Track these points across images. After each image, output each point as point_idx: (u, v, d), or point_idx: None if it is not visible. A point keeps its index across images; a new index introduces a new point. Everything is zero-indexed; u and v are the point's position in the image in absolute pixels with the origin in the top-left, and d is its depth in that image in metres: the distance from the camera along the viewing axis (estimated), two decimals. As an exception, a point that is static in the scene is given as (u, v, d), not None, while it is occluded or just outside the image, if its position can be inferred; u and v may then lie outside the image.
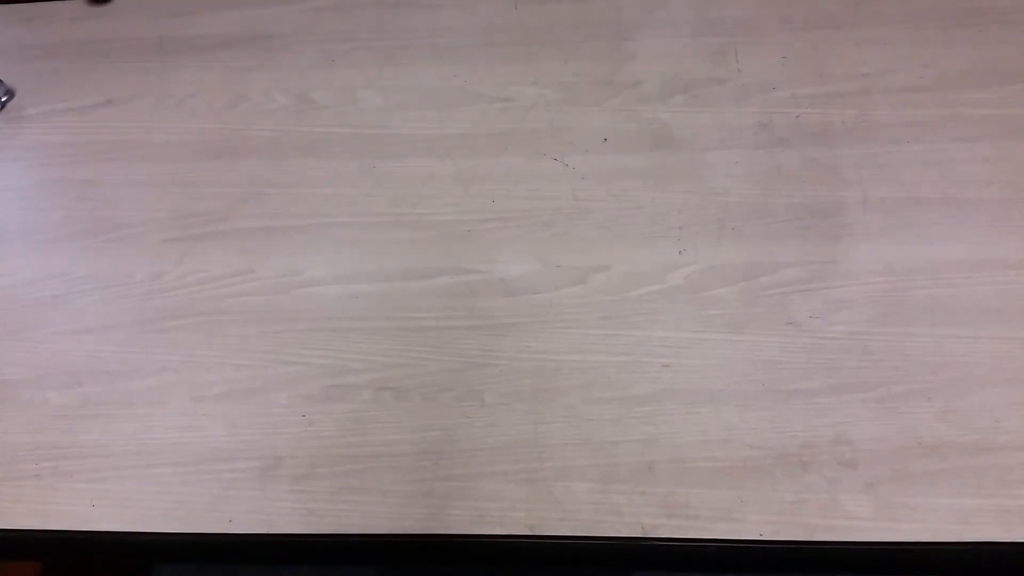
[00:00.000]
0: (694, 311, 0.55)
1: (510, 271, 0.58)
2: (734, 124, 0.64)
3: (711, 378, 0.53)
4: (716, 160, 0.62)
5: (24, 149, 0.69)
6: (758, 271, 0.57)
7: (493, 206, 0.61)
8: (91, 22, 0.75)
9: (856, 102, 0.64)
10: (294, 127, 0.67)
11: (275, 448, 0.53)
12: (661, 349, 0.54)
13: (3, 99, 0.71)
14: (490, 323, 0.56)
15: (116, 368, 0.57)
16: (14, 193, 0.66)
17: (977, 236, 0.57)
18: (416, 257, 0.60)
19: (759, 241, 0.58)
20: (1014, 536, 0.46)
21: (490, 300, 0.57)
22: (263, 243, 0.61)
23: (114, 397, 0.56)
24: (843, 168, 0.61)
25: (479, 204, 0.61)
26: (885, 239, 0.57)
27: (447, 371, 0.55)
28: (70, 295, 0.60)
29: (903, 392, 0.51)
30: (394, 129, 0.64)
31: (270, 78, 0.69)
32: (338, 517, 0.50)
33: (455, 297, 0.58)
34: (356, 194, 0.63)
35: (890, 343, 0.53)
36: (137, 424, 0.55)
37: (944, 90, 0.64)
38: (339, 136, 0.66)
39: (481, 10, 0.73)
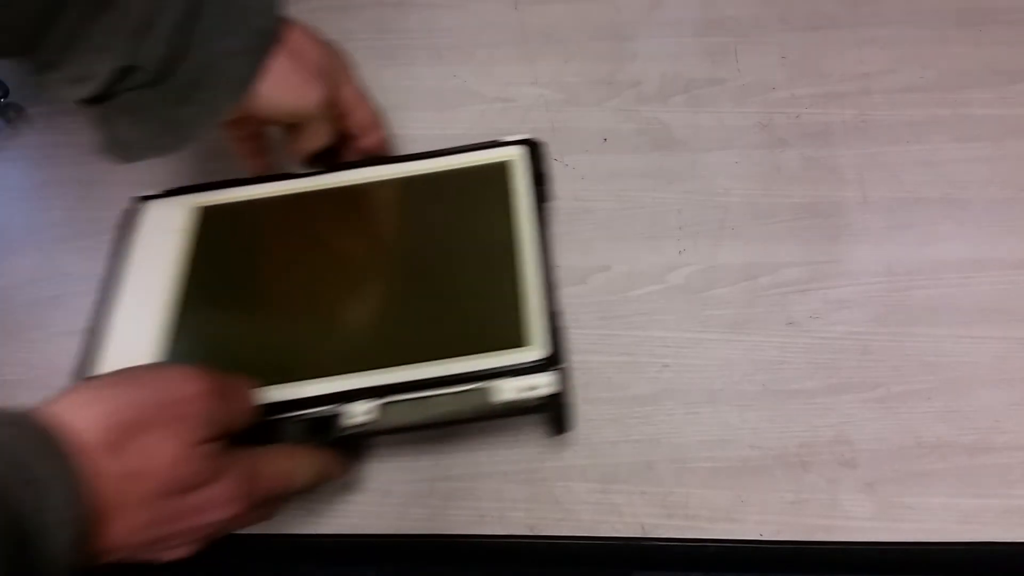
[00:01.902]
0: (694, 311, 0.55)
1: (510, 271, 0.58)
2: (734, 124, 0.64)
3: (711, 378, 0.53)
4: (716, 160, 0.62)
5: (24, 149, 0.69)
6: (758, 271, 0.57)
7: (493, 206, 0.61)
8: (91, 22, 0.75)
9: (856, 102, 0.64)
10: (294, 127, 0.66)
11: (275, 448, 0.53)
12: (661, 349, 0.54)
13: (3, 99, 0.71)
14: (490, 323, 0.56)
15: (116, 368, 0.57)
16: (14, 193, 0.66)
17: (977, 236, 0.57)
18: (416, 257, 0.59)
19: (759, 241, 0.58)
20: (1014, 536, 0.46)
21: (490, 300, 0.57)
22: (263, 243, 0.61)
23: (114, 397, 0.56)
24: (843, 168, 0.61)
25: (479, 204, 0.61)
26: (885, 239, 0.57)
27: (447, 371, 0.55)
28: (70, 295, 0.60)
29: (903, 392, 0.51)
30: (394, 129, 0.64)
31: (270, 78, 0.69)
32: (338, 517, 0.50)
33: (455, 297, 0.57)
34: (356, 194, 0.62)
35: (890, 343, 0.53)
36: (137, 424, 0.55)
37: (944, 90, 0.64)
38: (339, 136, 0.65)
39: (481, 10, 0.73)
